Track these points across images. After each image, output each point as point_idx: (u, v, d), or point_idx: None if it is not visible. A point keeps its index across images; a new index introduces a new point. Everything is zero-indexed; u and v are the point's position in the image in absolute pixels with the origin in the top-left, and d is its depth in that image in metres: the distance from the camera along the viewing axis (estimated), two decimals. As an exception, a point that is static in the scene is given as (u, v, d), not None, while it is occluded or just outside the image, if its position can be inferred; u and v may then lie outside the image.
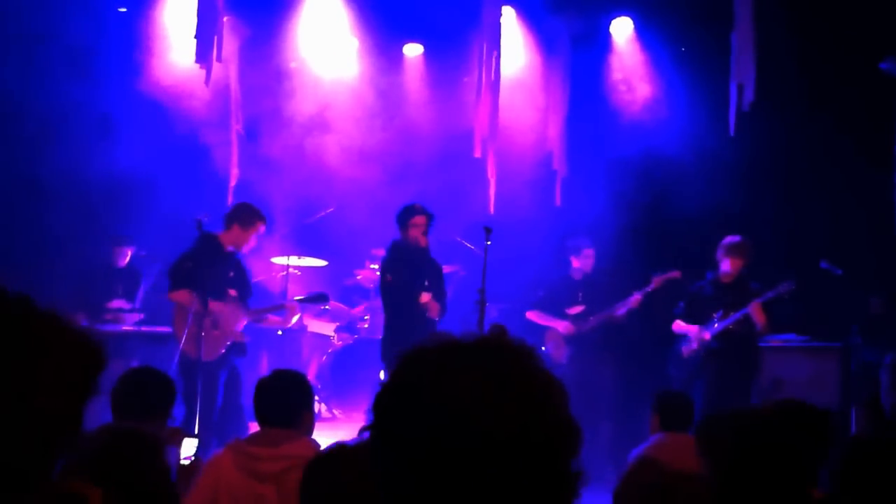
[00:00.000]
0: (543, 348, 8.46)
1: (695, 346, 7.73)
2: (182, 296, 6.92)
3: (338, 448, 2.62)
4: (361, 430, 1.37)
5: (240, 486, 3.73)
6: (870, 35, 8.55)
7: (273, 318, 7.65)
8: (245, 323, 7.13)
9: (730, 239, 7.86)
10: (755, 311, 7.55)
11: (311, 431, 4.01)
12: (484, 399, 1.25)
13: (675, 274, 8.12)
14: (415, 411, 1.27)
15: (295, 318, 7.84)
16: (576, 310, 8.40)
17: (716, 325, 7.68)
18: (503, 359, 1.30)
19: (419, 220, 7.42)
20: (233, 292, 7.03)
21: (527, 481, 1.25)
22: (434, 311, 7.38)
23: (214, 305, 6.90)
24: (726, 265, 7.80)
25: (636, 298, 8.18)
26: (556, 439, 1.28)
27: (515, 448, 1.24)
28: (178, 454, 4.14)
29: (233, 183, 9.19)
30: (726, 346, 7.63)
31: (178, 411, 6.20)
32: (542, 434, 1.26)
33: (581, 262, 8.51)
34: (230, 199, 8.96)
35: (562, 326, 8.41)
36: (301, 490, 2.63)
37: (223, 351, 6.98)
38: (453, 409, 1.24)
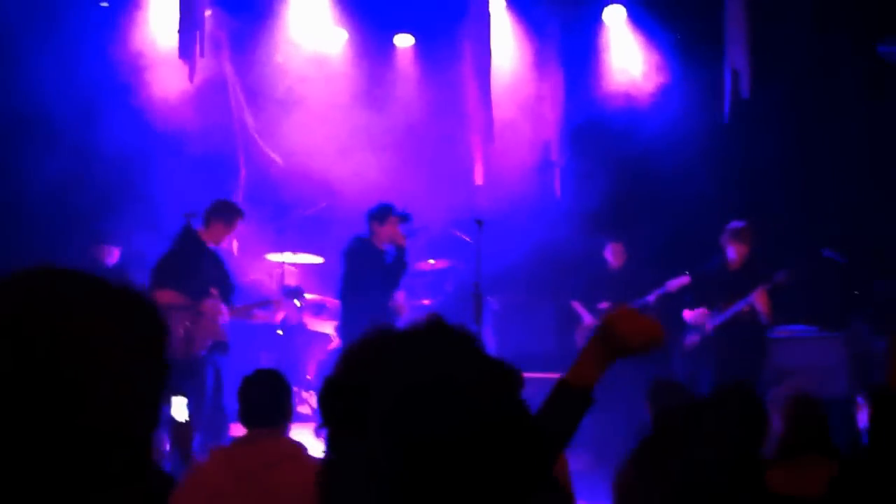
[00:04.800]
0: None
1: (697, 337, 7.65)
2: (166, 295, 6.77)
3: None
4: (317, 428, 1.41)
5: (227, 491, 3.68)
6: (866, 18, 8.48)
7: (260, 315, 7.61)
8: (227, 320, 7.00)
9: (733, 224, 7.80)
10: (759, 298, 7.49)
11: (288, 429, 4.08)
12: (422, 386, 1.27)
13: (686, 279, 8.04)
14: (356, 399, 1.29)
15: (282, 315, 7.82)
16: (604, 305, 8.35)
17: (719, 316, 7.60)
18: (437, 345, 1.33)
19: (395, 219, 7.52)
20: (214, 290, 6.94)
21: (472, 465, 1.25)
22: (403, 312, 7.42)
23: (196, 309, 6.80)
24: (731, 252, 7.75)
25: (651, 300, 8.12)
26: (495, 428, 1.28)
27: (460, 435, 1.25)
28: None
29: (242, 178, 9.05)
30: (729, 336, 7.55)
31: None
32: (481, 422, 1.26)
33: (610, 258, 8.48)
34: (241, 195, 8.87)
35: (588, 321, 8.39)
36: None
37: (205, 350, 6.85)
38: (396, 397, 1.26)
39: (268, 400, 3.98)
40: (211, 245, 7.09)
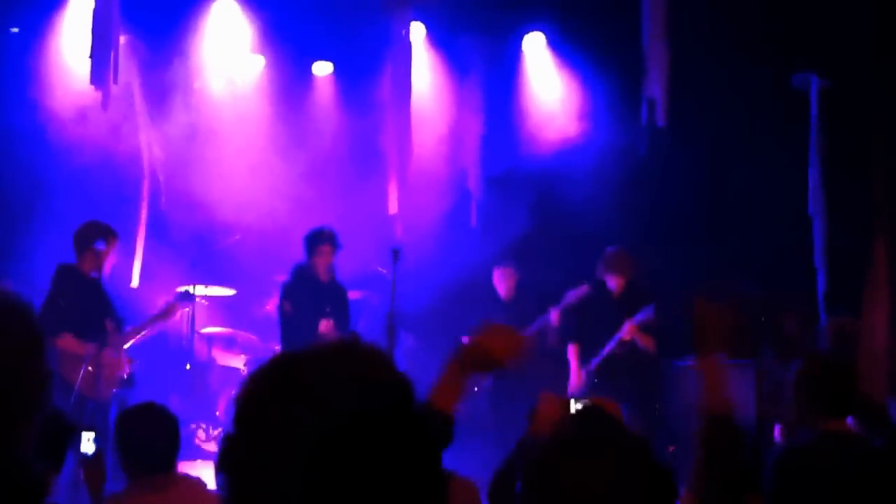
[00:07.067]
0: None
1: (575, 382, 7.39)
2: (66, 342, 6.34)
3: None
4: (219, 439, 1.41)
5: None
6: (782, 50, 8.59)
7: (157, 326, 7.14)
8: (125, 352, 6.69)
9: (607, 251, 7.53)
10: (632, 333, 7.23)
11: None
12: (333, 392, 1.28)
13: (585, 289, 7.82)
14: (269, 407, 1.30)
15: (178, 315, 7.41)
16: None
17: (595, 358, 7.35)
18: (353, 359, 1.35)
19: (326, 248, 7.31)
20: (109, 324, 6.57)
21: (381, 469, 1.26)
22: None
23: (101, 350, 6.46)
24: (610, 282, 7.48)
25: (553, 316, 7.97)
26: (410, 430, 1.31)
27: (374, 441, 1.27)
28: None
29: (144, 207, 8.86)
30: (611, 375, 7.25)
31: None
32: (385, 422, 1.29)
33: (501, 284, 8.35)
34: (141, 229, 8.65)
35: None
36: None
37: (115, 388, 6.60)
38: (310, 403, 1.27)
39: (154, 441, 3.58)
40: (93, 274, 6.56)
